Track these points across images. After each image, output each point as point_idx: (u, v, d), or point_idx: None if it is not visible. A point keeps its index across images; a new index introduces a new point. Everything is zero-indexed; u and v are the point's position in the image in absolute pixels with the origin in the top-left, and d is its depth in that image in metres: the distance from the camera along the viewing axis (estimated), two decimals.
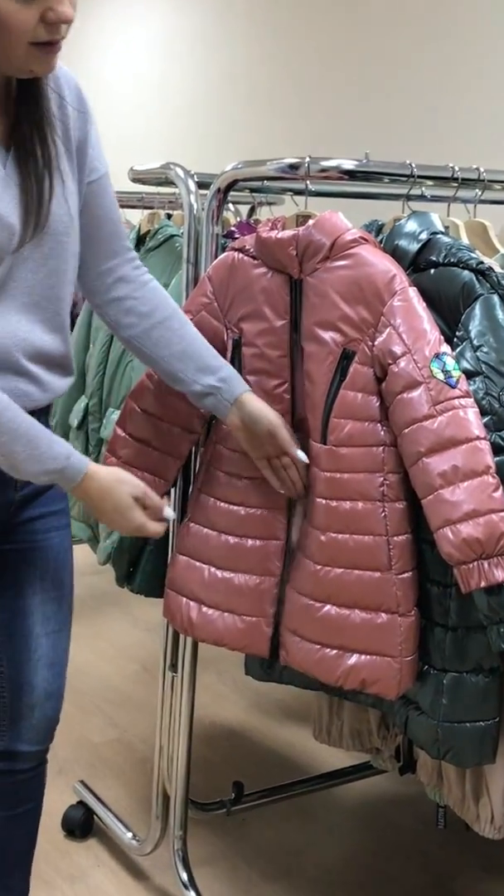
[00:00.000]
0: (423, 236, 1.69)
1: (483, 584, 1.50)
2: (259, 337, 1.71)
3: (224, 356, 1.74)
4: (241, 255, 1.75)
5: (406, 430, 1.56)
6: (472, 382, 1.57)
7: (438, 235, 1.69)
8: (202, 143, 4.77)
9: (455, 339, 1.61)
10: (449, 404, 1.53)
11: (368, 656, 1.63)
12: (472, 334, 1.59)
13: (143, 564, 2.13)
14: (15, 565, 1.58)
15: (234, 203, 2.93)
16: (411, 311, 1.58)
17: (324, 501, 1.65)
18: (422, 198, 1.88)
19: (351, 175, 1.71)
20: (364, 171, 1.72)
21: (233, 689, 3.13)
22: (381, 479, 1.61)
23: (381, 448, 1.61)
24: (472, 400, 1.55)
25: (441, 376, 1.54)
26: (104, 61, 5.64)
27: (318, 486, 1.66)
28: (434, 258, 1.65)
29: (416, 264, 1.67)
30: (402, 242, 1.70)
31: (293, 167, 1.70)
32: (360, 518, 1.62)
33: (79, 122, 1.50)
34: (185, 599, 1.81)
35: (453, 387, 1.54)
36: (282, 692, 3.06)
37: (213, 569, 1.78)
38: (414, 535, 1.63)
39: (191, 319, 1.78)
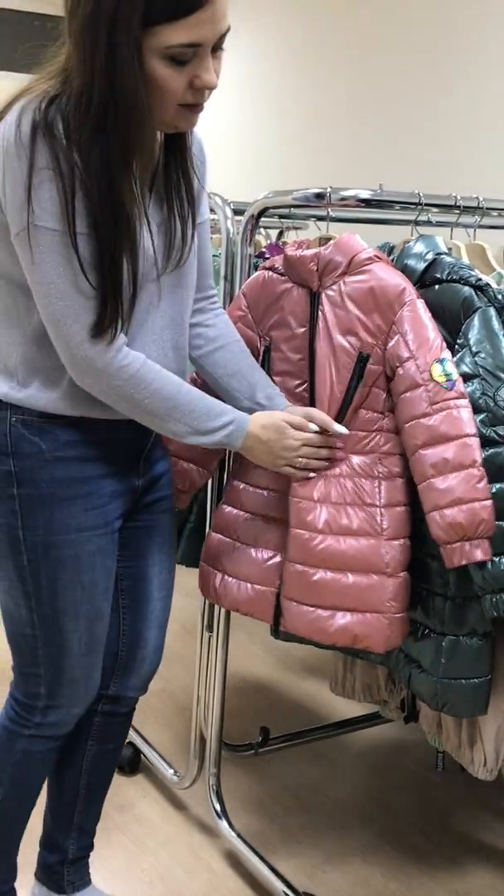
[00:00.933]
0: (429, 256, 1.68)
1: (464, 561, 1.50)
2: (284, 343, 1.71)
3: (257, 360, 1.74)
4: (270, 272, 1.75)
5: (407, 425, 1.57)
6: (470, 384, 1.56)
7: (442, 256, 1.68)
8: (238, 175, 4.77)
9: (456, 346, 1.60)
10: (444, 404, 1.53)
11: (359, 614, 1.60)
12: (472, 342, 1.58)
13: (185, 538, 2.14)
14: (139, 539, 1.61)
15: (265, 228, 2.93)
16: (417, 321, 1.57)
17: (325, 475, 1.64)
18: (428, 223, 1.87)
19: (367, 203, 1.70)
20: (378, 199, 1.71)
21: (261, 647, 3.14)
22: (378, 458, 1.61)
23: (380, 434, 1.61)
24: (466, 401, 1.54)
25: (440, 379, 1.53)
26: None
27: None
28: (438, 275, 1.64)
29: (423, 281, 1.67)
30: (411, 262, 1.70)
31: (318, 196, 1.70)
32: (356, 490, 1.61)
33: (201, 170, 1.52)
34: (213, 571, 1.81)
35: (450, 389, 1.53)
36: (303, 651, 3.06)
37: (238, 543, 1.78)
38: (409, 509, 1.62)
39: None
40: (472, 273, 1.63)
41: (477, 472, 1.51)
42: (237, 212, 1.97)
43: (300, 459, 1.58)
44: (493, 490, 1.51)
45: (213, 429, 1.48)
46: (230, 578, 1.78)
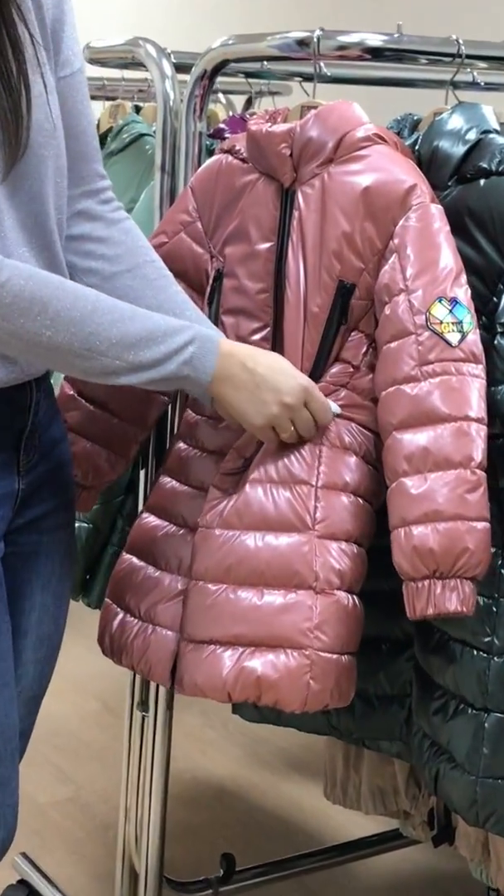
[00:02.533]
0: (472, 136, 1.69)
1: (431, 611, 1.52)
2: (240, 265, 1.72)
3: (201, 294, 1.76)
4: (229, 157, 1.77)
5: (384, 394, 1.59)
6: None
7: (492, 135, 1.69)
8: (181, 15, 4.75)
9: None
10: (441, 366, 1.54)
11: (266, 650, 1.60)
12: None
13: (102, 571, 2.16)
14: (14, 571, 1.60)
15: (224, 93, 2.94)
16: (426, 236, 1.59)
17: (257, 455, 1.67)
18: (473, 85, 1.89)
19: (377, 54, 1.73)
20: (395, 48, 1.74)
21: (223, 734, 3.15)
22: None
23: (343, 391, 1.64)
24: (481, 369, 1.55)
25: (444, 328, 1.55)
26: None
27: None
28: (486, 165, 1.65)
29: (462, 173, 1.68)
30: (444, 144, 1.71)
31: (301, 44, 1.72)
32: (285, 461, 1.63)
33: (53, 1, 1.50)
34: (115, 609, 1.81)
35: (456, 345, 1.54)
36: (285, 739, 3.07)
37: (150, 567, 1.79)
38: (367, 505, 1.65)
39: (166, 243, 1.80)
40: None
41: (472, 475, 1.52)
42: (181, 68, 1.99)
43: (290, 428, 1.59)
44: None
45: (162, 356, 1.48)
46: (131, 619, 1.79)
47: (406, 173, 1.62)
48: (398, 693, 1.84)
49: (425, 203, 1.60)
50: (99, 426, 1.84)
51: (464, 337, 1.55)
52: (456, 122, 1.72)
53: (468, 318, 1.56)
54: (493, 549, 1.62)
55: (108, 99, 2.78)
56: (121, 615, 1.79)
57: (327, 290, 1.63)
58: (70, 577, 1.71)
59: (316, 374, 1.64)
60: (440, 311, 1.55)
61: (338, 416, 1.63)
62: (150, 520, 1.81)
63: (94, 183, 1.63)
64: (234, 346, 1.58)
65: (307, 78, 2.05)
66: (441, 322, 1.55)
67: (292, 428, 1.59)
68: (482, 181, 1.65)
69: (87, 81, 1.58)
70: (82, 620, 3.70)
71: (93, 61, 2.16)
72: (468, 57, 1.77)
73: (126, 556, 1.82)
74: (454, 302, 1.56)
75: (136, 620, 1.77)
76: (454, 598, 1.52)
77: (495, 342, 1.61)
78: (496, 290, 1.63)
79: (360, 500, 1.64)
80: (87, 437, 1.84)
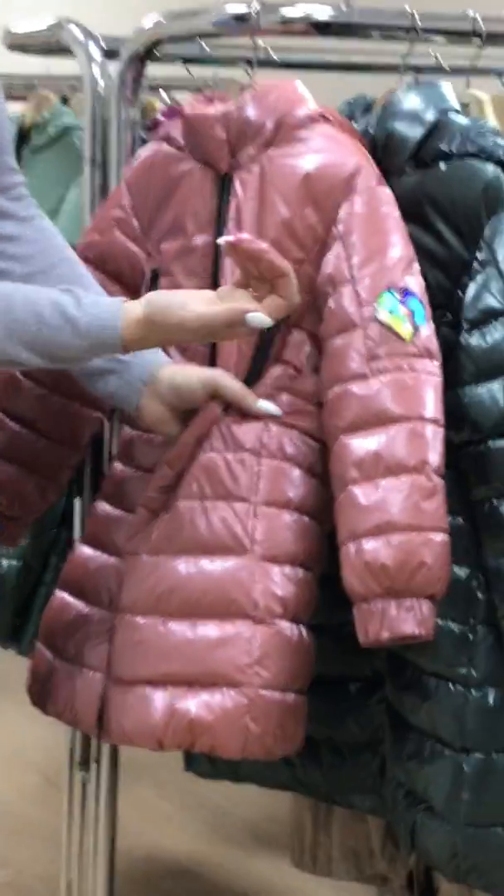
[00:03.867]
0: (430, 117, 1.74)
1: (385, 635, 1.53)
2: (175, 261, 1.76)
3: (137, 293, 1.77)
4: (165, 145, 1.81)
5: (330, 395, 1.62)
6: (495, 326, 1.62)
7: (452, 115, 1.74)
8: (109, 4, 4.81)
9: (475, 263, 1.67)
10: (392, 362, 1.57)
11: (202, 688, 1.60)
12: (501, 256, 1.64)
13: (34, 613, 2.18)
14: None
15: (165, 88, 2.97)
16: (373, 221, 1.63)
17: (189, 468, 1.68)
18: (437, 70, 1.94)
19: (324, 29, 1.77)
20: (344, 21, 1.78)
21: (178, 805, 3.15)
22: (265, 428, 1.65)
23: (285, 394, 1.66)
24: (435, 365, 1.58)
25: (394, 321, 1.57)
26: None
27: None
28: (445, 147, 1.70)
29: (421, 157, 1.72)
30: (400, 126, 1.75)
31: (240, 19, 1.76)
32: (220, 475, 1.64)
33: None
34: (45, 653, 1.82)
35: (405, 339, 1.57)
36: (250, 810, 3.07)
37: (84, 605, 1.80)
38: (314, 524, 1.66)
39: (98, 241, 1.84)
40: (502, 143, 1.69)
41: (427, 481, 1.55)
42: (110, 53, 2.03)
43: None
44: None
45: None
46: (59, 662, 1.80)
47: (350, 155, 1.65)
48: (370, 740, 1.85)
49: (371, 186, 1.64)
50: (24, 448, 1.85)
51: (417, 330, 1.58)
52: (412, 101, 1.76)
53: (421, 310, 1.59)
54: (466, 570, 1.67)
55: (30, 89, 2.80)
56: (50, 659, 1.80)
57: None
58: None
59: (253, 376, 1.67)
60: (390, 301, 1.58)
61: (279, 419, 1.65)
62: (83, 551, 1.82)
63: (4, 177, 1.66)
64: (133, 307, 1.55)
65: (249, 62, 2.11)
66: (391, 313, 1.58)
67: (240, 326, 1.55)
68: (442, 165, 1.70)
69: None
70: (18, 683, 3.72)
71: (13, 46, 2.19)
72: (425, 30, 1.81)
73: (58, 593, 1.83)
74: (405, 292, 1.59)
75: (64, 663, 1.77)
76: (410, 619, 1.52)
77: (462, 339, 1.65)
78: (460, 283, 1.67)
79: (306, 518, 1.65)
80: (12, 460, 1.85)
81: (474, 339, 1.65)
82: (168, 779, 3.20)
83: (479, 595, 1.68)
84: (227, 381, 1.66)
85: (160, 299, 1.53)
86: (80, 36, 2.04)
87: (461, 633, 1.67)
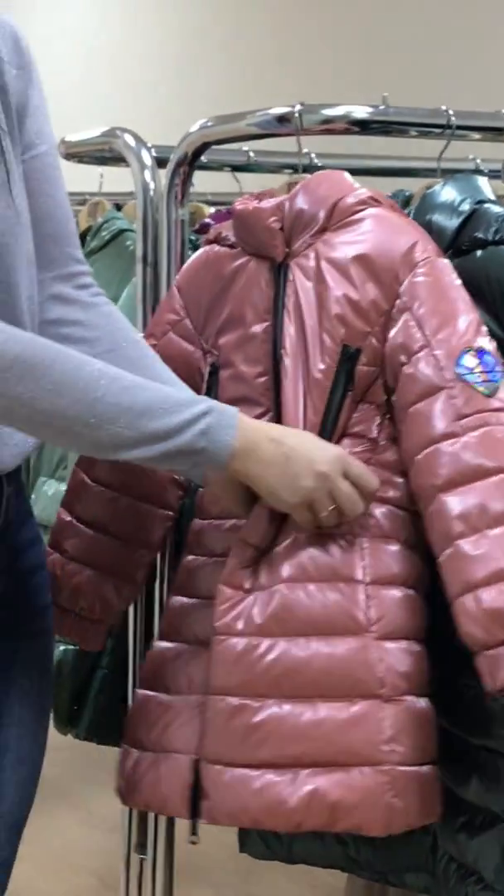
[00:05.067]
0: (466, 207, 1.79)
1: None
2: (235, 351, 1.79)
3: (200, 391, 1.81)
4: (216, 246, 1.85)
5: (419, 457, 1.62)
6: None
7: (487, 205, 1.79)
8: (161, 115, 5.00)
9: None
10: (480, 418, 1.59)
11: (337, 769, 1.59)
12: None
13: (91, 697, 2.21)
14: None
15: (214, 205, 3.06)
16: (438, 289, 1.66)
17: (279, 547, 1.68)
18: (478, 171, 2.01)
19: (363, 126, 1.84)
20: (382, 119, 1.85)
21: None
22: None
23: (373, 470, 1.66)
24: None
25: (473, 378, 1.60)
26: (33, 15, 5.94)
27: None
28: (481, 235, 1.75)
29: (458, 245, 1.77)
30: (438, 217, 1.81)
31: (282, 119, 1.83)
32: (326, 558, 1.64)
33: (18, 83, 1.61)
34: (129, 750, 1.81)
35: (491, 395, 1.60)
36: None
37: (161, 695, 1.80)
38: (417, 595, 1.67)
39: (155, 346, 1.86)
40: None
41: None
42: (161, 162, 2.11)
43: (330, 505, 1.58)
44: None
45: (176, 425, 1.50)
46: (143, 754, 1.79)
47: (405, 232, 1.69)
48: None
49: (431, 258, 1.67)
50: (99, 551, 1.87)
51: (496, 386, 1.60)
52: (449, 194, 1.81)
53: (498, 367, 1.61)
54: None
55: (87, 197, 2.90)
56: (134, 755, 1.78)
57: (331, 356, 1.68)
58: (50, 690, 1.74)
59: (323, 433, 1.67)
60: (470, 361, 1.61)
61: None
62: (161, 646, 1.82)
63: (69, 266, 1.70)
64: (255, 420, 1.60)
65: (292, 168, 2.20)
66: (472, 372, 1.60)
67: (332, 506, 1.58)
68: (479, 252, 1.74)
69: (57, 165, 1.68)
70: (75, 791, 3.72)
71: (70, 155, 2.28)
72: (459, 128, 1.88)
73: (139, 692, 1.83)
74: (481, 352, 1.61)
75: (147, 754, 1.76)
76: None
77: None
78: None
79: (412, 591, 1.66)
80: (90, 564, 1.86)
81: None
82: (224, 881, 3.20)
83: None
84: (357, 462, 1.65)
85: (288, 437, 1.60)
86: (133, 143, 2.12)
87: None
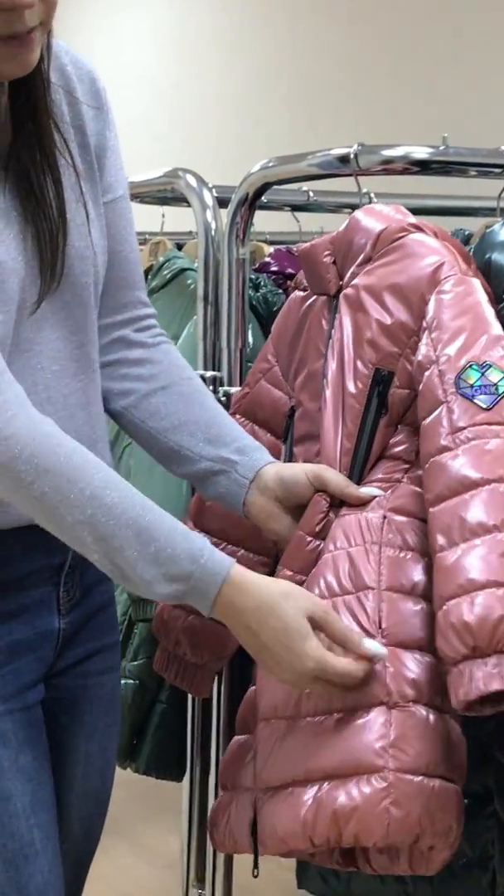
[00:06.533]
0: None
1: (474, 695, 1.43)
2: (303, 390, 1.81)
3: (279, 435, 1.84)
4: (297, 292, 1.88)
5: (423, 473, 1.61)
6: None
7: None
8: (221, 155, 5.03)
9: None
10: (474, 431, 1.55)
11: (341, 778, 1.53)
12: None
13: (150, 731, 2.21)
14: (55, 719, 1.64)
15: (273, 244, 3.09)
16: (458, 306, 1.64)
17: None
18: None
19: (423, 166, 1.85)
20: (442, 160, 1.86)
21: None
22: (382, 515, 1.64)
23: (398, 486, 1.67)
24: None
25: (471, 392, 1.57)
26: (92, 54, 6.02)
27: None
28: None
29: None
30: (497, 256, 1.80)
31: (342, 160, 1.84)
32: (345, 570, 1.63)
33: (95, 123, 1.63)
34: (222, 795, 1.79)
35: (487, 408, 1.57)
36: None
37: (248, 737, 1.78)
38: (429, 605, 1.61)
39: (247, 393, 1.90)
40: None
41: None
42: (222, 202, 2.13)
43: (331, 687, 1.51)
44: None
45: (153, 578, 1.45)
46: (225, 794, 1.78)
47: (435, 252, 1.68)
48: (480, 855, 1.82)
49: (457, 276, 1.66)
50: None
51: (498, 399, 1.57)
52: None
53: (502, 383, 1.58)
54: None
55: (149, 237, 2.93)
56: (224, 797, 1.77)
57: (362, 380, 1.68)
58: (116, 727, 1.74)
59: (356, 470, 1.68)
60: (472, 375, 1.58)
61: (402, 510, 1.64)
62: (252, 689, 1.79)
63: (136, 310, 1.72)
64: (238, 595, 1.47)
65: (353, 208, 2.19)
66: (472, 385, 1.58)
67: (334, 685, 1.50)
68: None
69: (131, 208, 1.70)
70: (133, 827, 3.72)
71: (132, 197, 2.29)
72: None
73: (235, 739, 1.81)
74: (486, 366, 1.59)
75: (226, 794, 1.75)
76: (496, 677, 1.43)
77: None
78: None
79: (424, 604, 1.61)
80: (192, 610, 1.76)
81: None
82: None
83: None
84: (331, 472, 1.66)
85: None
86: (195, 183, 2.14)
87: None
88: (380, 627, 1.58)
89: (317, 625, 1.48)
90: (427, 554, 1.63)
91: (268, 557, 1.92)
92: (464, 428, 1.56)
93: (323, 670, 1.46)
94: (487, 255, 1.82)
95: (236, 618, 1.47)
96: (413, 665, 1.57)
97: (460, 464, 1.55)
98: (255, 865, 1.74)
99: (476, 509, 1.52)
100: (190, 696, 2.08)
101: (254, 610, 1.46)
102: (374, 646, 1.51)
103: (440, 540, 1.54)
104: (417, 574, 1.63)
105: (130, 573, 1.45)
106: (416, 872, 1.62)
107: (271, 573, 1.79)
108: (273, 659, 1.48)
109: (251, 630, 1.47)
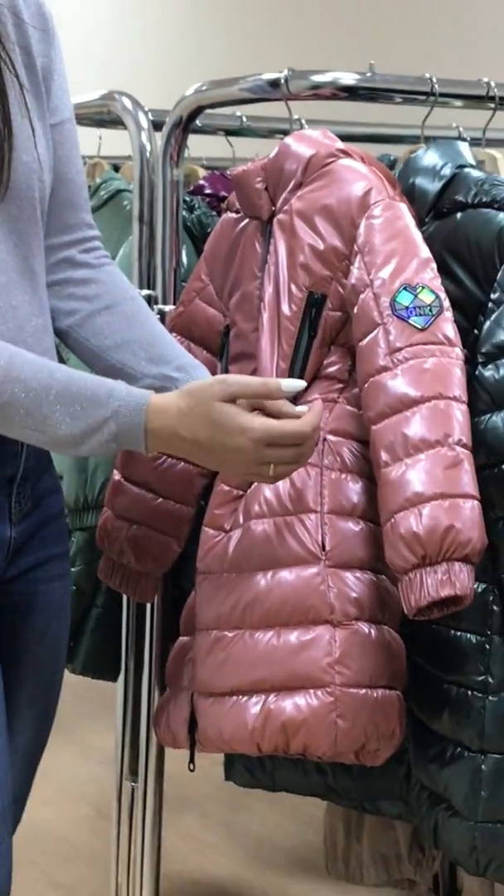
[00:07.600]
0: (447, 171, 1.83)
1: (424, 602, 1.54)
2: (237, 310, 1.85)
3: (215, 353, 1.88)
4: (229, 213, 1.91)
5: (362, 392, 1.66)
6: None
7: (468, 170, 1.83)
8: (159, 82, 5.01)
9: (490, 304, 1.74)
10: (411, 351, 1.61)
11: (291, 691, 1.63)
12: None
13: (87, 634, 2.26)
14: (6, 624, 1.68)
15: (209, 168, 3.09)
16: (388, 230, 1.68)
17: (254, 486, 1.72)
18: (459, 138, 2.03)
19: (350, 93, 1.86)
20: (369, 86, 1.88)
21: (222, 835, 3.19)
22: (322, 437, 1.69)
23: (334, 405, 1.71)
24: (453, 350, 1.62)
25: (407, 314, 1.62)
26: None
27: None
28: (461, 198, 1.79)
29: (439, 208, 1.82)
30: (420, 180, 1.85)
31: (273, 84, 1.86)
32: (290, 492, 1.68)
33: (42, 46, 1.64)
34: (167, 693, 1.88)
35: (423, 328, 1.62)
36: (289, 838, 3.12)
37: (187, 638, 1.87)
38: (372, 527, 1.69)
39: (182, 312, 1.93)
40: None
41: (450, 451, 1.57)
42: (158, 125, 2.14)
43: (269, 472, 1.52)
44: None
45: (81, 432, 1.51)
46: (167, 693, 1.87)
47: (363, 177, 1.72)
48: (396, 749, 1.89)
49: (386, 200, 1.70)
50: (145, 508, 1.92)
51: (432, 319, 1.62)
52: (431, 158, 1.85)
53: (436, 302, 1.63)
54: (483, 585, 1.72)
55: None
56: (166, 694, 1.87)
57: (297, 303, 1.72)
58: (66, 632, 1.79)
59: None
60: (405, 297, 1.63)
61: (338, 430, 1.69)
62: (193, 594, 1.87)
63: (82, 231, 1.75)
64: (163, 412, 1.52)
65: (283, 132, 2.22)
66: (407, 307, 1.63)
67: (271, 471, 1.52)
68: (458, 214, 1.78)
69: (76, 131, 1.71)
70: (71, 725, 3.77)
71: None
72: (442, 95, 1.91)
73: (180, 639, 1.91)
74: (419, 287, 1.63)
75: (167, 693, 1.85)
76: (447, 583, 1.53)
77: (477, 373, 1.72)
78: (477, 323, 1.75)
79: (372, 525, 1.68)
80: (135, 520, 1.92)
81: (488, 372, 1.71)
82: (211, 810, 3.26)
83: (495, 608, 1.73)
84: (240, 377, 1.60)
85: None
86: (130, 106, 2.15)
87: (478, 644, 1.73)
88: (323, 549, 1.66)
89: (234, 398, 1.51)
90: (364, 474, 1.69)
91: (192, 508, 1.96)
92: (401, 348, 1.62)
93: (269, 434, 1.48)
94: (411, 180, 1.87)
95: (170, 440, 1.52)
96: (354, 584, 1.66)
97: (400, 383, 1.60)
98: (192, 760, 1.84)
99: (418, 425, 1.58)
100: (125, 601, 2.13)
101: (180, 414, 1.50)
102: (288, 384, 1.51)
103: (384, 456, 1.59)
104: (356, 495, 1.69)
105: (63, 436, 1.51)
106: (362, 763, 1.73)
107: (197, 524, 1.88)
108: (222, 457, 1.52)
109: (189, 442, 1.51)
